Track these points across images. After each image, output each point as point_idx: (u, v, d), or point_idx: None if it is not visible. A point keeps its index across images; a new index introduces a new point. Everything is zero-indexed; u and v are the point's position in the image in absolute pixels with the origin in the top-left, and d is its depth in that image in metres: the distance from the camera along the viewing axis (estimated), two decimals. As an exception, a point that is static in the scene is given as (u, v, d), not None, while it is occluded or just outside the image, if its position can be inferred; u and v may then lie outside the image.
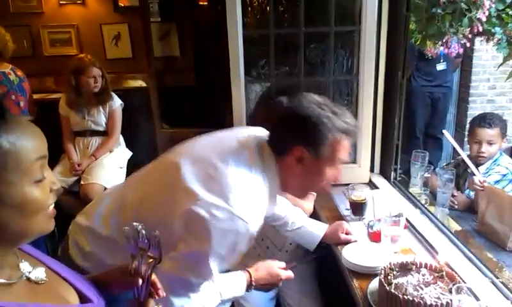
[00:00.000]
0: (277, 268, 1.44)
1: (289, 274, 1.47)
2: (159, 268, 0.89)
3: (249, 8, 2.09)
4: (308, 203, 1.87)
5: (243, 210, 1.10)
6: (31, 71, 3.22)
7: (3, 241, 0.68)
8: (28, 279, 0.72)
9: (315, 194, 1.86)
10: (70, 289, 0.80)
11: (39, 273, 0.74)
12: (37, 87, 3.43)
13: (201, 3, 4.24)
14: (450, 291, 1.15)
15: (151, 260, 0.85)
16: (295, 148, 1.17)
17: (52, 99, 3.53)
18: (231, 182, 1.12)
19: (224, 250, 1.11)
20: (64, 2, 4.18)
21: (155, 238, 0.85)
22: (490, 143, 2.33)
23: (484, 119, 2.37)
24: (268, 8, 2.06)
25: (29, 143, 0.69)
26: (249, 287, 1.38)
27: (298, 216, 1.70)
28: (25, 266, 0.73)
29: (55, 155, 2.86)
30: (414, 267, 1.30)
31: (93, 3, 4.25)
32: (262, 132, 1.30)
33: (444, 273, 1.26)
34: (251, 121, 1.41)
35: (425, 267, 1.30)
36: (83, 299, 0.81)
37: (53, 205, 0.73)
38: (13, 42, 2.84)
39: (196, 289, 1.16)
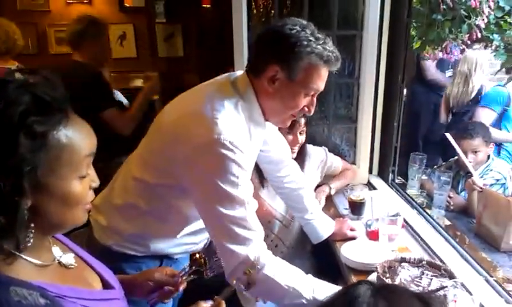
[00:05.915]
0: None
1: None
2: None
3: (254, 11, 2.13)
4: None
5: (223, 134, 1.10)
6: (37, 68, 3.27)
7: (42, 228, 0.71)
8: (59, 263, 0.77)
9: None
10: (95, 275, 0.85)
11: (68, 258, 0.79)
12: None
13: (204, 5, 4.29)
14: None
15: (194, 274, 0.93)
16: (270, 66, 1.17)
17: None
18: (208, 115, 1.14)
19: (227, 173, 1.10)
20: (71, 1, 4.23)
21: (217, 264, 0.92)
22: (475, 152, 2.36)
23: (466, 130, 2.40)
24: (273, 11, 2.11)
25: (83, 140, 0.71)
26: None
27: (317, 207, 1.72)
28: (56, 251, 0.78)
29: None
30: (409, 263, 1.34)
31: (99, 3, 4.30)
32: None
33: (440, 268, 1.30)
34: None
35: (421, 262, 1.34)
36: (105, 285, 0.85)
37: (90, 200, 0.76)
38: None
39: (241, 221, 1.11)
